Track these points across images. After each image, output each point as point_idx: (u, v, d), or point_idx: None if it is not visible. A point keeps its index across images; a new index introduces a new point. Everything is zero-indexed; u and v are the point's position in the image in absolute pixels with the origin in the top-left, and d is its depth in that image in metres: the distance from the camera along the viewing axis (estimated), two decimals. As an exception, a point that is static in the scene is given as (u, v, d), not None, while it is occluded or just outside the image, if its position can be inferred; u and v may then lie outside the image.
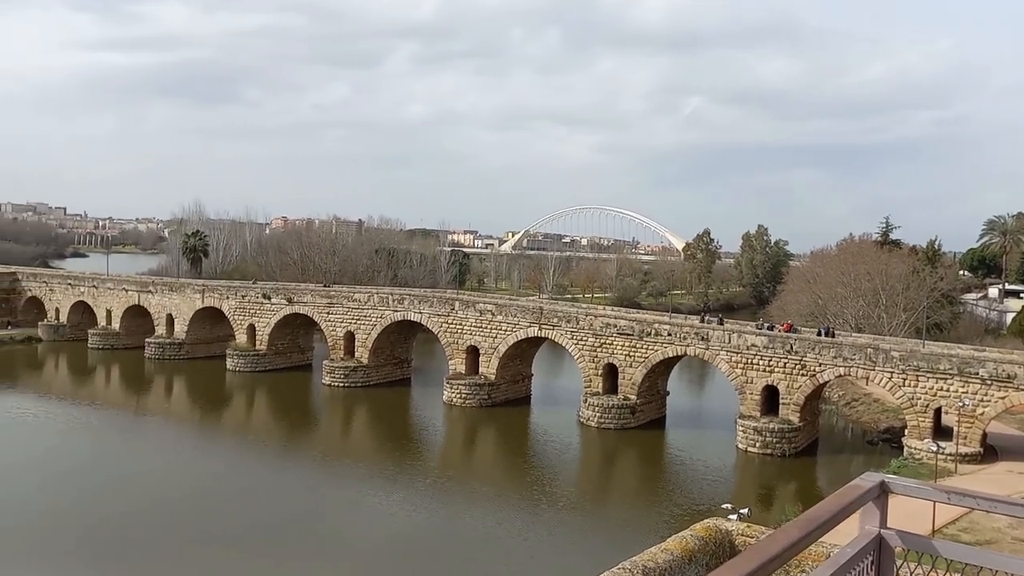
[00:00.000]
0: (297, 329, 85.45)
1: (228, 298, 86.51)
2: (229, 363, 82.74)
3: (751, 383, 59.43)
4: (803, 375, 57.74)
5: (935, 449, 46.59)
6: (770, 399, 59.12)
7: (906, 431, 55.20)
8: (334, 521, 43.43)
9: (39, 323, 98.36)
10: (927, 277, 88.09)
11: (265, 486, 48.84)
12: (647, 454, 60.60)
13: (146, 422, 66.04)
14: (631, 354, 64.39)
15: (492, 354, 70.69)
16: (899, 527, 4.68)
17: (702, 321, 66.96)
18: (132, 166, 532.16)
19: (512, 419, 68.13)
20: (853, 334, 67.61)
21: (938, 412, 54.03)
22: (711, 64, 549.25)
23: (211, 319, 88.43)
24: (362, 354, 78.02)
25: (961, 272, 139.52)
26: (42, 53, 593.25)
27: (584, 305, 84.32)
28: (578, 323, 67.57)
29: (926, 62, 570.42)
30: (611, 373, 65.48)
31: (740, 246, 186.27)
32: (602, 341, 65.73)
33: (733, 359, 60.32)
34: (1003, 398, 51.56)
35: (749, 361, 59.61)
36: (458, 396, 69.76)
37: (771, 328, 63.88)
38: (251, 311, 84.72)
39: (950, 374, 53.05)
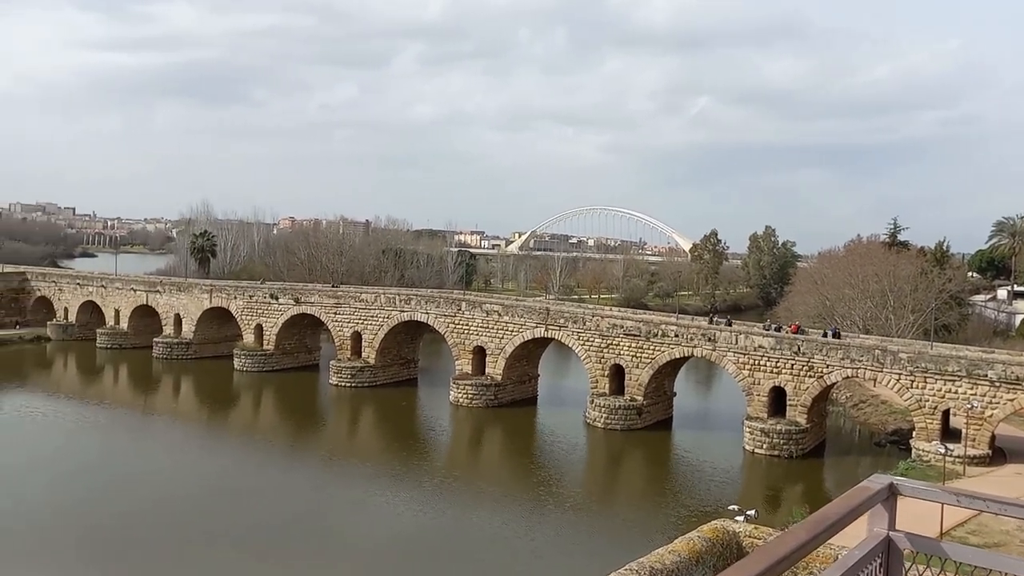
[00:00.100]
0: (304, 329, 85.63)
1: (236, 298, 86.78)
2: (236, 363, 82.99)
3: (758, 384, 59.31)
4: (810, 376, 57.58)
5: (943, 451, 46.47)
6: (777, 400, 58.98)
7: (914, 433, 55.00)
8: (341, 521, 43.52)
9: (48, 322, 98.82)
10: (935, 278, 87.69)
11: (272, 486, 48.95)
12: (654, 455, 60.51)
13: (154, 421, 66.28)
14: (638, 355, 64.31)
15: (499, 355, 70.71)
16: (907, 529, 4.67)
17: (710, 322, 66.81)
18: (140, 166, 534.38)
19: (518, 420, 68.14)
20: (861, 335, 67.38)
21: (946, 414, 53.80)
22: (718, 64, 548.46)
23: (219, 319, 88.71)
24: (369, 354, 78.14)
25: (970, 273, 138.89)
26: (50, 53, 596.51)
27: (591, 306, 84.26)
28: (585, 324, 67.53)
29: (933, 62, 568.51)
30: (618, 374, 65.42)
31: (747, 247, 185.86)
32: (609, 342, 65.68)
33: (740, 360, 60.20)
34: (1012, 400, 51.30)
35: (756, 362, 59.49)
36: (464, 396, 69.80)
37: (778, 329, 63.73)
38: (258, 311, 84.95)
39: (958, 376, 52.82)
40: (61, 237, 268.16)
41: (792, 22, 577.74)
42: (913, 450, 53.81)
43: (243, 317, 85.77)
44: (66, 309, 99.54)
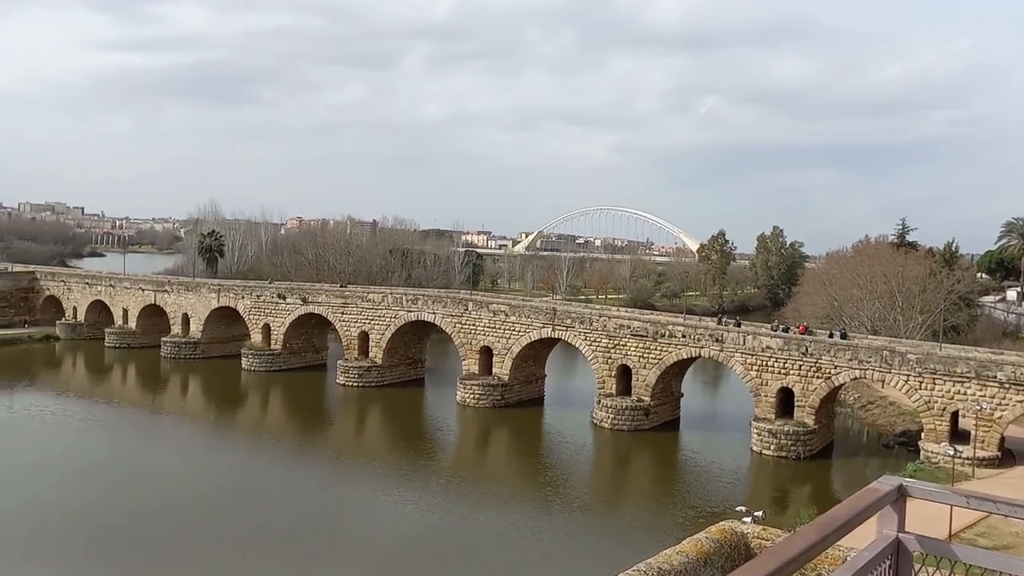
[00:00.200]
0: (312, 329, 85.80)
1: (243, 298, 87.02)
2: (244, 362, 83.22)
3: (766, 385, 59.16)
4: (818, 377, 57.41)
5: (952, 453, 46.26)
6: (785, 401, 58.83)
7: (922, 434, 54.77)
8: (348, 520, 43.60)
9: (57, 322, 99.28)
10: (944, 279, 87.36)
11: (280, 485, 49.06)
12: (661, 456, 60.43)
13: (162, 421, 66.51)
14: (645, 355, 64.23)
15: (505, 355, 70.73)
16: (916, 531, 4.66)
17: (719, 323, 66.66)
18: (149, 166, 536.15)
19: (525, 420, 68.13)
20: (869, 336, 67.15)
21: (955, 415, 53.55)
22: (726, 64, 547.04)
23: (226, 319, 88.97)
24: (376, 354, 78.26)
25: (979, 274, 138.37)
26: (60, 54, 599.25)
27: (598, 306, 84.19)
28: (592, 324, 67.48)
29: (943, 62, 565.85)
30: (625, 374, 65.35)
31: (755, 247, 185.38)
32: (616, 342, 65.62)
33: (748, 361, 60.07)
34: (1021, 402, 51.01)
35: (764, 363, 59.35)
36: (471, 396, 69.84)
37: (786, 330, 63.56)
38: (266, 311, 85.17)
39: (967, 377, 52.59)
40: (70, 237, 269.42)
41: (800, 22, 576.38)
42: (922, 452, 53.59)
43: (251, 317, 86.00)
44: (75, 308, 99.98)
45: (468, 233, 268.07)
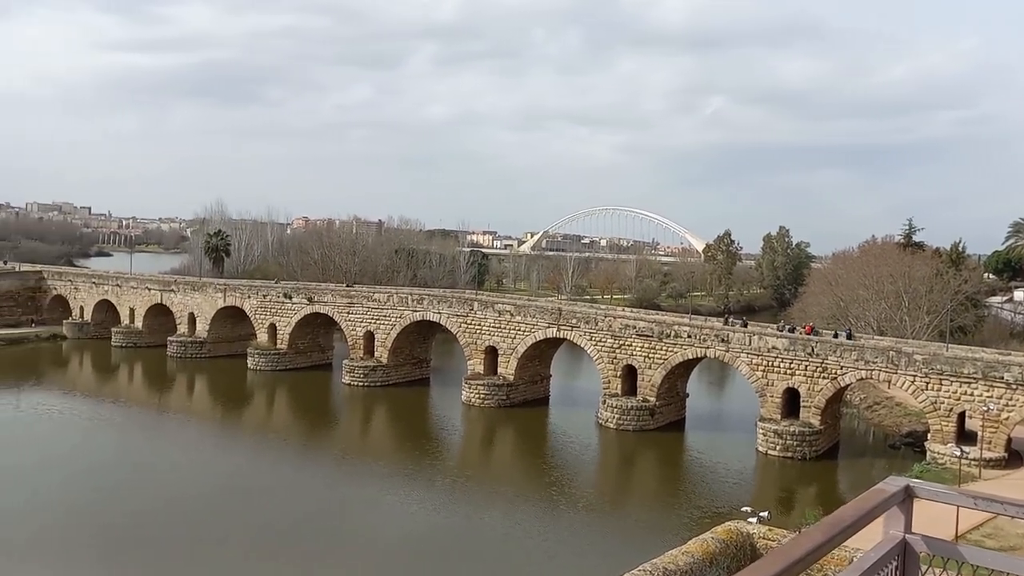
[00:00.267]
0: (317, 328, 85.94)
1: (249, 297, 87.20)
2: (250, 362, 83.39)
3: (772, 386, 59.05)
4: (824, 378, 57.28)
5: (959, 454, 46.06)
6: (791, 402, 58.71)
7: (929, 435, 54.59)
8: (353, 520, 43.67)
9: (64, 321, 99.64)
10: (951, 280, 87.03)
11: (285, 484, 49.16)
12: (666, 456, 60.36)
13: (168, 420, 66.68)
14: (650, 356, 64.16)
15: (511, 355, 70.72)
16: (922, 532, 4.64)
17: (725, 323, 66.55)
18: (155, 166, 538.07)
19: (530, 420, 68.13)
20: (875, 337, 66.97)
21: (962, 416, 53.37)
22: (733, 64, 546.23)
23: (232, 318, 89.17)
24: (382, 354, 78.34)
25: (986, 275, 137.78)
26: (67, 54, 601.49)
27: (603, 306, 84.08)
28: (597, 324, 67.43)
29: (951, 61, 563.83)
30: (630, 375, 65.30)
31: (761, 247, 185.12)
32: (621, 342, 65.56)
33: (754, 361, 59.96)
34: (1028, 403, 50.82)
35: (770, 363, 59.23)
36: (477, 396, 69.86)
37: (792, 330, 63.43)
38: (272, 310, 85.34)
39: (974, 378, 52.40)
40: (77, 236, 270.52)
41: (807, 22, 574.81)
42: (928, 452, 53.42)
43: (257, 316, 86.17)
44: (82, 308, 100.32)
45: (473, 233, 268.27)
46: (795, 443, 56.62)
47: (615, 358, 65.76)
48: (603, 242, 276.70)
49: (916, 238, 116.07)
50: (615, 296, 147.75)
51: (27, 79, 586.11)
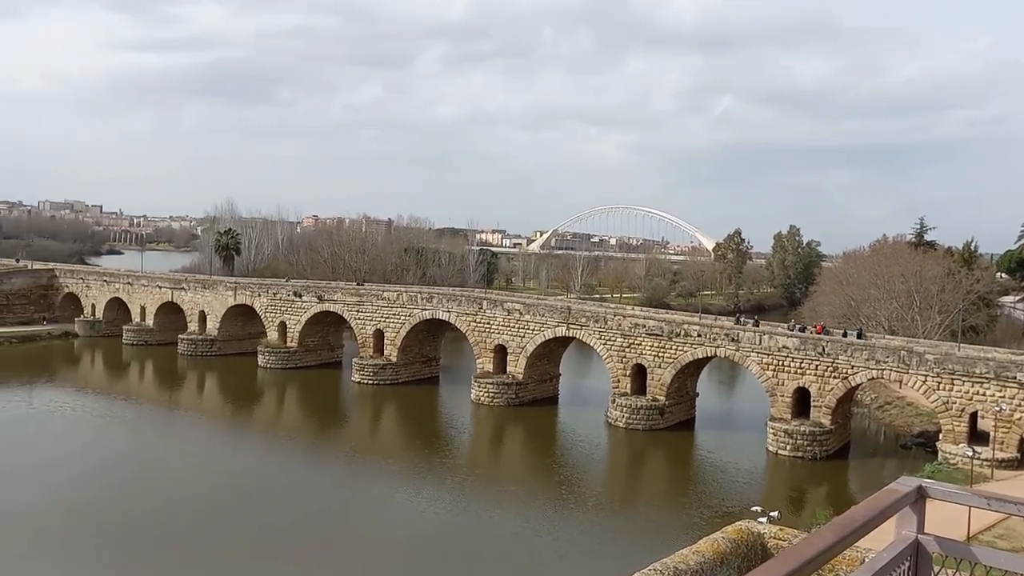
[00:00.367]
0: (327, 327, 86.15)
1: (260, 296, 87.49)
2: (260, 360, 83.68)
3: (782, 385, 58.84)
4: (835, 377, 57.03)
5: (970, 454, 45.78)
6: (801, 401, 58.49)
7: (940, 435, 54.31)
8: (364, 518, 43.77)
9: (76, 319, 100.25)
10: (963, 279, 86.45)
11: (295, 482, 49.32)
12: (676, 455, 60.24)
13: (178, 418, 67.01)
14: (660, 355, 64.03)
15: (520, 353, 70.71)
16: (933, 532, 4.62)
17: (737, 322, 66.31)
18: (166, 165, 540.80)
19: (540, 419, 68.11)
20: (886, 336, 66.63)
21: (974, 416, 53.06)
22: (744, 64, 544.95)
23: (243, 316, 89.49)
24: (391, 352, 78.47)
25: (998, 274, 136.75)
26: (80, 54, 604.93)
27: (612, 305, 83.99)
28: (606, 323, 67.34)
29: (965, 61, 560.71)
30: (640, 374, 65.18)
31: (771, 246, 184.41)
32: (631, 341, 65.45)
33: (764, 361, 59.75)
34: (1041, 403, 50.48)
35: (780, 363, 59.02)
36: (486, 395, 69.88)
37: (803, 330, 63.18)
38: (282, 309, 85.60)
39: (986, 378, 52.07)
40: (89, 235, 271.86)
41: (819, 21, 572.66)
42: (939, 453, 53.12)
43: (267, 314, 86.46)
44: (93, 306, 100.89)
45: (483, 232, 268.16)
46: (805, 443, 56.41)
47: (625, 357, 65.65)
48: (613, 241, 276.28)
49: (928, 237, 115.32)
50: (625, 295, 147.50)
51: (40, 79, 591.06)
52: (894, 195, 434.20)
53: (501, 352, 72.07)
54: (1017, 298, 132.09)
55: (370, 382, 76.90)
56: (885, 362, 55.80)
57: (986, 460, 48.81)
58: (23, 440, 55.25)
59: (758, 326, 64.28)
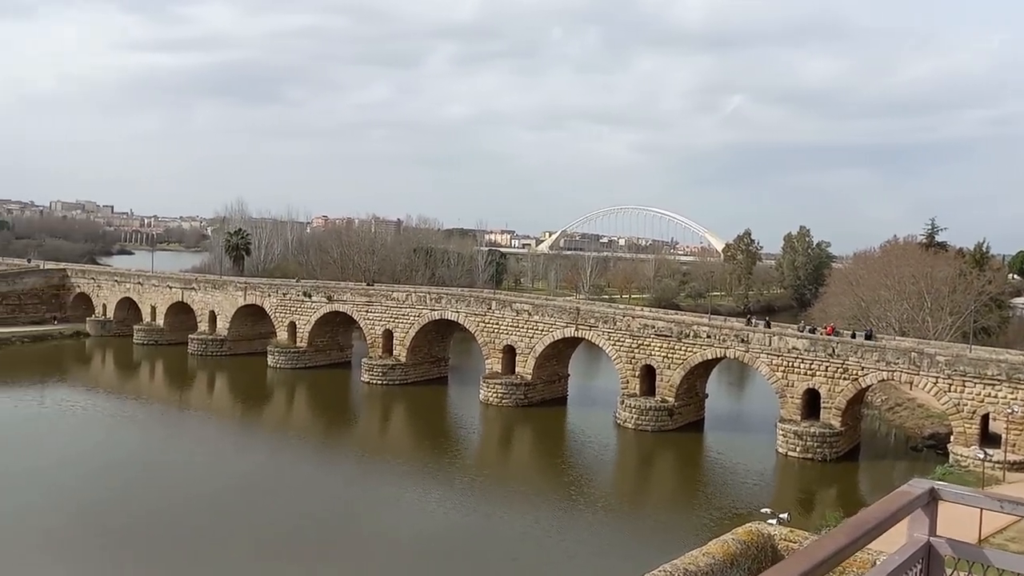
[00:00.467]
0: (337, 327, 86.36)
1: (270, 296, 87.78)
2: (270, 360, 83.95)
3: (792, 386, 58.64)
4: (845, 379, 56.79)
5: (982, 456, 45.60)
6: (811, 403, 58.27)
7: (952, 437, 53.99)
8: (372, 518, 43.83)
9: (87, 318, 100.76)
10: (974, 280, 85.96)
11: (305, 482, 49.45)
12: (685, 457, 60.12)
13: (189, 417, 67.29)
14: (669, 356, 63.91)
15: (528, 354, 70.70)
16: (944, 535, 4.60)
17: (748, 324, 66.10)
18: (177, 165, 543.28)
19: (548, 419, 68.08)
20: (897, 338, 66.32)
21: (985, 418, 52.71)
22: (753, 63, 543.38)
23: (253, 316, 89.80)
24: (400, 352, 78.60)
25: (1010, 275, 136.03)
26: (93, 54, 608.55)
27: (621, 306, 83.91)
28: (615, 324, 67.26)
29: (976, 60, 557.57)
30: (648, 375, 65.07)
31: (781, 247, 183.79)
32: (640, 342, 65.35)
33: (774, 362, 59.57)
34: (1054, 405, 50.12)
35: (790, 364, 58.82)
36: (494, 395, 69.90)
37: (813, 331, 62.96)
38: (292, 309, 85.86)
39: (998, 380, 51.75)
40: (100, 235, 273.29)
41: (829, 20, 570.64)
42: (951, 455, 52.80)
43: (277, 315, 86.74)
44: (104, 305, 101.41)
45: (491, 232, 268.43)
46: (815, 444, 56.20)
47: (633, 358, 65.56)
48: (621, 241, 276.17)
49: (939, 238, 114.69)
50: (634, 296, 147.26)
51: (53, 78, 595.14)
52: (904, 195, 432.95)
53: (510, 353, 72.07)
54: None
55: (379, 382, 77.05)
56: (896, 363, 55.54)
57: (998, 462, 48.55)
58: (34, 439, 55.55)
59: (769, 327, 64.07)
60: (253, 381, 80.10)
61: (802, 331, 62.79)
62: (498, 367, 72.33)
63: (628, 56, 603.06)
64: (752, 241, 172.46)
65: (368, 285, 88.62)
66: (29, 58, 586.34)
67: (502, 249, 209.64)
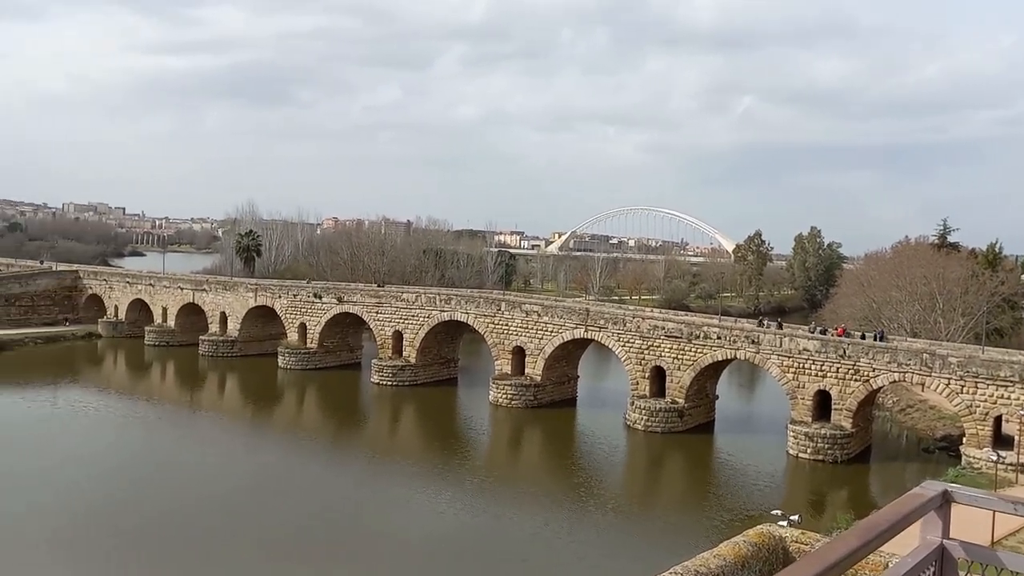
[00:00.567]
0: (347, 328, 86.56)
1: (280, 297, 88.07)
2: (280, 361, 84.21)
3: (803, 388, 58.41)
4: (856, 380, 56.53)
5: (995, 458, 45.27)
6: (822, 404, 58.02)
7: (964, 439, 53.66)
8: (383, 519, 43.86)
9: (99, 320, 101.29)
10: (987, 281, 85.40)
11: (315, 483, 49.57)
12: (695, 458, 59.96)
13: (199, 418, 67.57)
14: (679, 357, 63.75)
15: (538, 355, 70.67)
16: (956, 538, 4.57)
17: (760, 325, 65.84)
18: (188, 167, 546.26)
19: (558, 421, 68.03)
20: (908, 339, 65.96)
21: (998, 420, 52.36)
22: (763, 63, 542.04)
23: (263, 317, 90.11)
24: (410, 353, 78.71)
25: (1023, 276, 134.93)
26: (104, 56, 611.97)
27: (631, 307, 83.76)
28: (625, 325, 67.14)
29: (987, 59, 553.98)
30: (658, 376, 64.94)
31: (792, 248, 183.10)
32: (649, 343, 65.22)
33: (784, 363, 59.34)
34: (1067, 407, 49.73)
35: (801, 365, 58.59)
36: (504, 396, 69.89)
37: (824, 332, 62.69)
38: (302, 310, 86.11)
39: (1011, 381, 51.40)
40: (112, 236, 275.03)
41: (839, 20, 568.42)
42: (963, 457, 52.49)
43: (287, 316, 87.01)
44: (116, 307, 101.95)
45: (501, 233, 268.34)
46: (826, 446, 55.96)
47: (643, 359, 65.44)
48: (631, 242, 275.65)
49: (951, 239, 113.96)
50: (643, 297, 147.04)
51: (64, 81, 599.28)
52: (914, 196, 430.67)
53: (519, 354, 72.06)
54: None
55: (389, 383, 77.18)
56: (907, 365, 55.25)
57: (1010, 464, 48.20)
58: (47, 439, 55.88)
59: (782, 328, 63.83)
60: (263, 382, 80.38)
61: (813, 332, 62.53)
62: (507, 368, 72.33)
63: (637, 56, 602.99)
64: (763, 242, 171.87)
65: (378, 286, 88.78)
66: (39, 60, 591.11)
67: (511, 250, 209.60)
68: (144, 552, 37.52)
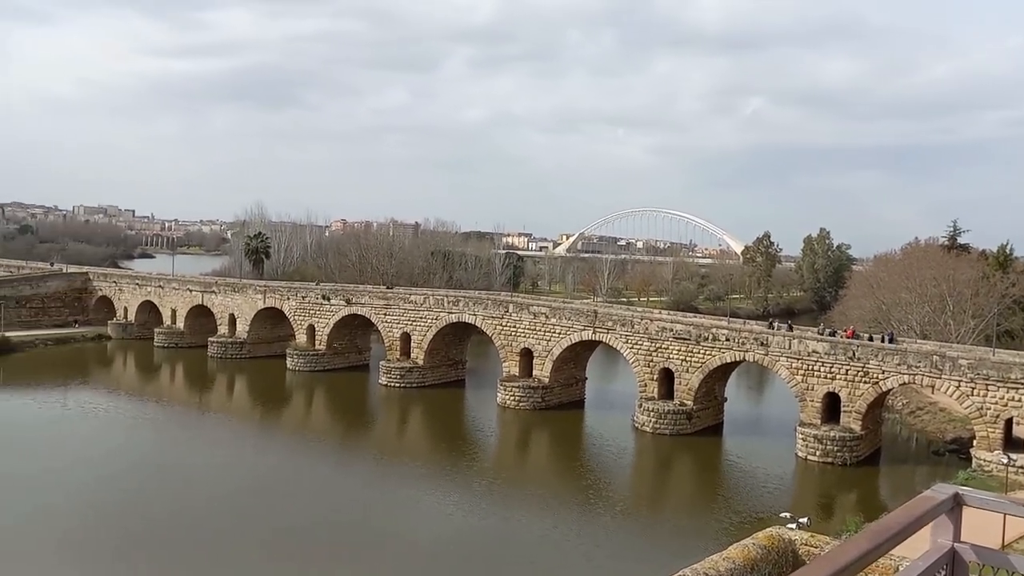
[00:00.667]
0: (355, 330, 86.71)
1: (289, 299, 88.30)
2: (289, 362, 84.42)
3: (812, 390, 58.20)
4: (865, 382, 56.30)
5: (1006, 461, 45.01)
6: (831, 407, 57.80)
7: (974, 442, 53.37)
8: (391, 520, 43.90)
9: (108, 321, 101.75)
10: (998, 282, 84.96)
11: (323, 484, 49.64)
12: (704, 461, 59.81)
13: (208, 419, 67.80)
14: (688, 359, 63.62)
15: (546, 357, 70.63)
16: (969, 541, 4.55)
17: (769, 327, 65.60)
18: (196, 169, 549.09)
19: (566, 423, 67.97)
20: (918, 341, 65.65)
21: (1009, 423, 52.08)
22: (771, 64, 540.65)
23: (272, 319, 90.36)
24: (418, 355, 78.78)
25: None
26: (113, 59, 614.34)
27: (639, 309, 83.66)
28: (633, 327, 67.04)
29: (997, 60, 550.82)
30: (667, 378, 64.81)
31: (801, 250, 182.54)
32: (658, 345, 65.11)
33: (793, 365, 59.15)
34: (1079, 409, 49.43)
35: (810, 367, 58.39)
36: (512, 398, 69.88)
37: (833, 334, 62.45)
38: (311, 312, 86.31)
39: (1022, 384, 51.11)
40: (121, 238, 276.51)
41: (846, 21, 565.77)
42: (973, 460, 52.23)
43: (296, 317, 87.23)
44: (126, 309, 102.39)
45: (509, 235, 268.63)
46: (835, 448, 55.74)
47: (651, 361, 65.32)
48: (639, 244, 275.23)
49: (961, 240, 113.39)
50: (651, 298, 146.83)
51: (73, 84, 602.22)
52: (922, 197, 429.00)
53: (527, 356, 72.04)
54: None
55: (397, 385, 77.27)
56: (917, 367, 54.99)
57: (1021, 467, 47.92)
58: (57, 441, 56.17)
59: (791, 330, 63.63)
60: (272, 383, 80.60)
61: (822, 334, 62.31)
62: (515, 370, 72.32)
63: (644, 58, 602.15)
64: (771, 243, 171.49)
65: (386, 288, 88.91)
66: (47, 63, 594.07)
67: (519, 252, 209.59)
68: (153, 553, 37.63)
